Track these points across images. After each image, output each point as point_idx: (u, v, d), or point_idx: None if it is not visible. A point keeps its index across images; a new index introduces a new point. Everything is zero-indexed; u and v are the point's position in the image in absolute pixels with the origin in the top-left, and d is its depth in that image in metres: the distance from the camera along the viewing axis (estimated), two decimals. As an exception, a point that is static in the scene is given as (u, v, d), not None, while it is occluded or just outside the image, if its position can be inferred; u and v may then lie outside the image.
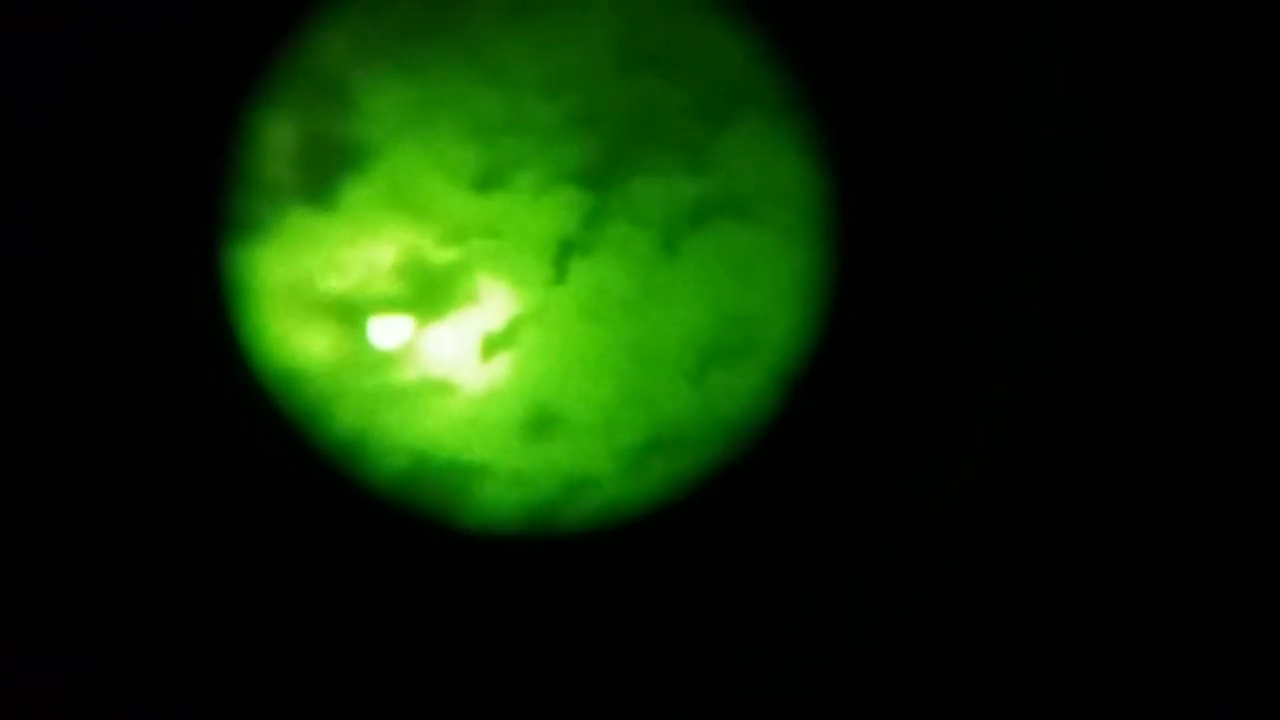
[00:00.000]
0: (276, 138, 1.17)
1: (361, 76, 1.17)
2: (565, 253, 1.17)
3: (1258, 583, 1.02)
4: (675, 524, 1.10)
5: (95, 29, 1.03)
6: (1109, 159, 1.03)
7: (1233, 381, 1.04)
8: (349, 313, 1.18)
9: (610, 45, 1.18)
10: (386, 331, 1.18)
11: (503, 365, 1.17)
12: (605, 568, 1.09)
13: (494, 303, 1.18)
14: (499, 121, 1.19)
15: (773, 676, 1.04)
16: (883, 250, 1.09)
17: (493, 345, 1.17)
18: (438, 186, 1.18)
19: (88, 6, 1.02)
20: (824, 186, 1.15)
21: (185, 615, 1.07)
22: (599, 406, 1.16)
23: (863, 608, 1.05)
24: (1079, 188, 1.05)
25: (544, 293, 1.17)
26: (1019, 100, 1.08)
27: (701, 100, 1.18)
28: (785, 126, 1.17)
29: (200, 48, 1.06)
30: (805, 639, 1.05)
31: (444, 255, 1.18)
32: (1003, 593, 1.03)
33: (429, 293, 1.18)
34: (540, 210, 1.18)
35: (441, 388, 1.17)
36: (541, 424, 1.16)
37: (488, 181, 1.18)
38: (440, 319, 1.18)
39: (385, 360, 1.18)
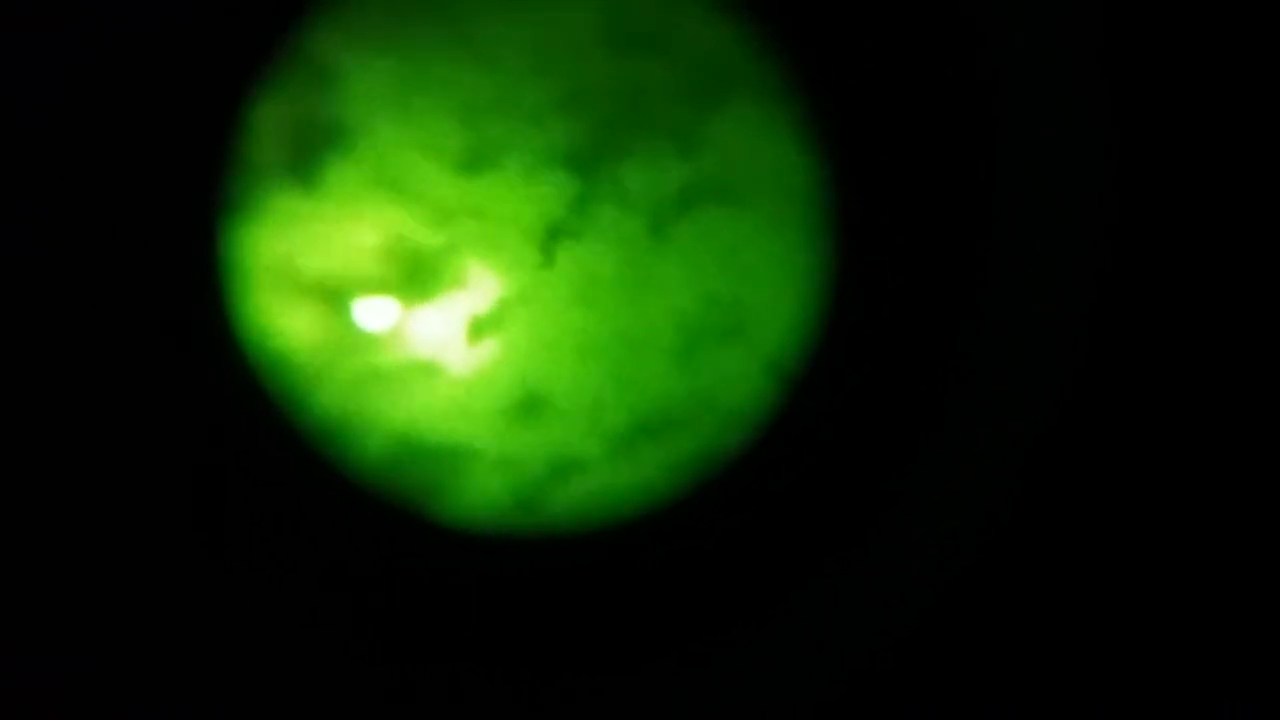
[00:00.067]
0: (261, 118, 1.12)
1: (346, 55, 1.13)
2: (553, 236, 1.15)
3: (1258, 583, 1.01)
4: (675, 524, 1.08)
5: (96, 20, 0.98)
6: (1109, 153, 1.02)
7: (1233, 381, 1.03)
8: (334, 294, 1.15)
9: (598, 26, 1.16)
10: (372, 313, 1.15)
11: (489, 348, 1.15)
12: (604, 567, 1.07)
13: (481, 286, 1.15)
14: (485, 103, 1.16)
15: (773, 676, 1.03)
16: (882, 247, 1.07)
17: (479, 328, 1.15)
18: (423, 168, 1.15)
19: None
20: (817, 173, 1.12)
21: (164, 595, 1.04)
22: (586, 390, 1.14)
23: (863, 608, 1.04)
24: (1079, 184, 1.03)
25: (531, 276, 1.15)
26: (1017, 88, 1.06)
27: (690, 83, 1.16)
28: (775, 111, 1.15)
29: (201, 36, 1.02)
30: (805, 639, 1.04)
31: (430, 237, 1.15)
32: (1003, 593, 1.02)
33: (415, 275, 1.15)
34: (527, 193, 1.15)
35: (428, 370, 1.15)
36: (529, 407, 1.14)
37: (474, 163, 1.15)
38: (427, 301, 1.15)
39: (371, 342, 1.15)
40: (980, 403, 1.04)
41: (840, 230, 1.10)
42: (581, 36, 1.16)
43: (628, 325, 1.14)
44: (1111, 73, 1.02)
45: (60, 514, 1.04)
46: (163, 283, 1.07)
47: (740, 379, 1.14)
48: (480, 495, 1.13)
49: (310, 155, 1.14)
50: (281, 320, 1.14)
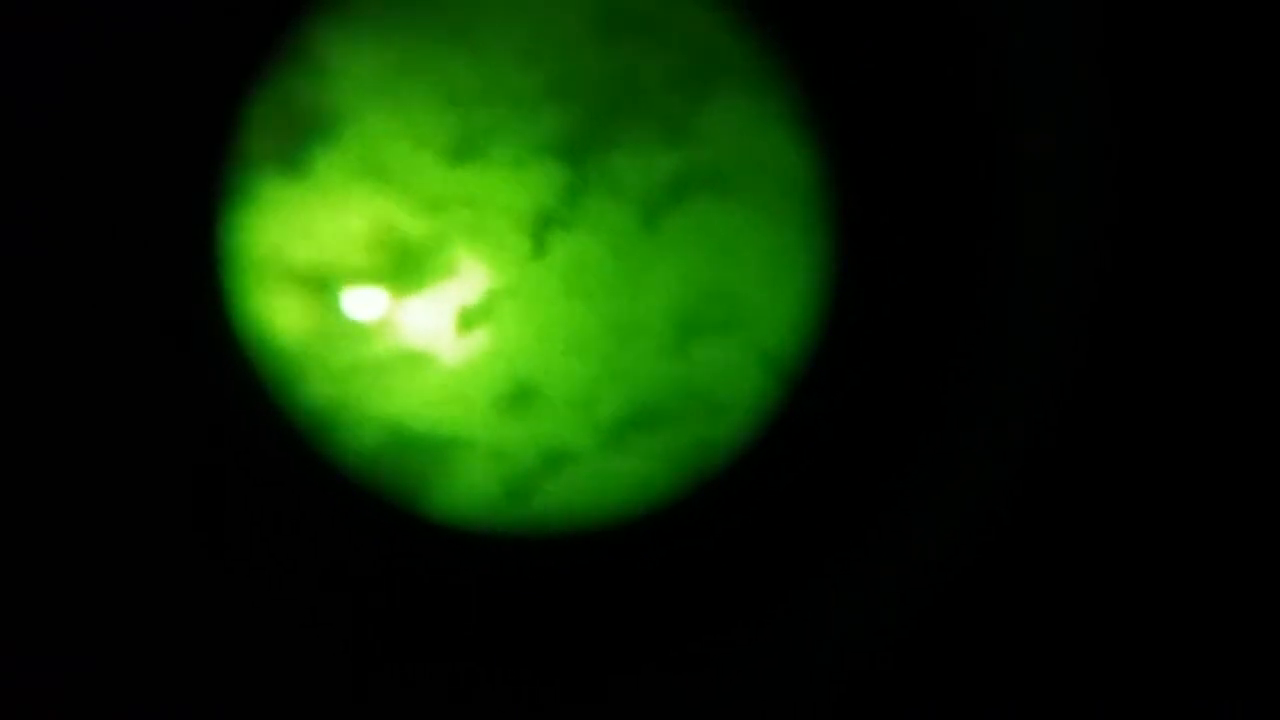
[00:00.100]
0: (250, 106, 1.11)
1: (334, 43, 1.11)
2: (544, 227, 1.13)
3: (1258, 583, 1.02)
4: (674, 523, 1.07)
5: (97, 12, 0.97)
6: (1109, 147, 1.01)
7: (1234, 382, 1.03)
8: (322, 284, 1.13)
9: (588, 13, 1.14)
10: (361, 304, 1.14)
11: (480, 339, 1.13)
12: (604, 567, 1.06)
13: (471, 276, 1.13)
14: (474, 91, 1.14)
15: (773, 676, 1.03)
16: (881, 243, 1.06)
17: (470, 319, 1.13)
18: (411, 156, 1.13)
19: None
20: (811, 165, 1.11)
21: (151, 583, 1.03)
22: (578, 381, 1.13)
23: (863, 608, 1.04)
24: (1079, 178, 1.02)
25: (521, 267, 1.13)
26: (1015, 79, 1.05)
27: (681, 71, 1.14)
28: (767, 100, 1.13)
29: (204, 27, 1.01)
30: (805, 639, 1.03)
31: (419, 227, 1.14)
32: (1003, 593, 1.01)
33: (404, 265, 1.14)
34: (518, 183, 1.13)
35: (417, 361, 1.14)
36: (520, 398, 1.13)
37: (463, 152, 1.13)
38: (416, 291, 1.14)
39: (360, 332, 1.13)
40: (980, 402, 1.04)
41: (839, 226, 1.09)
42: (571, 24, 1.14)
43: (619, 316, 1.13)
44: (1111, 64, 1.00)
45: (49, 500, 1.03)
46: (156, 273, 1.06)
47: (733, 371, 1.13)
48: (471, 486, 1.12)
49: (298, 143, 1.11)
50: (270, 310, 1.12)
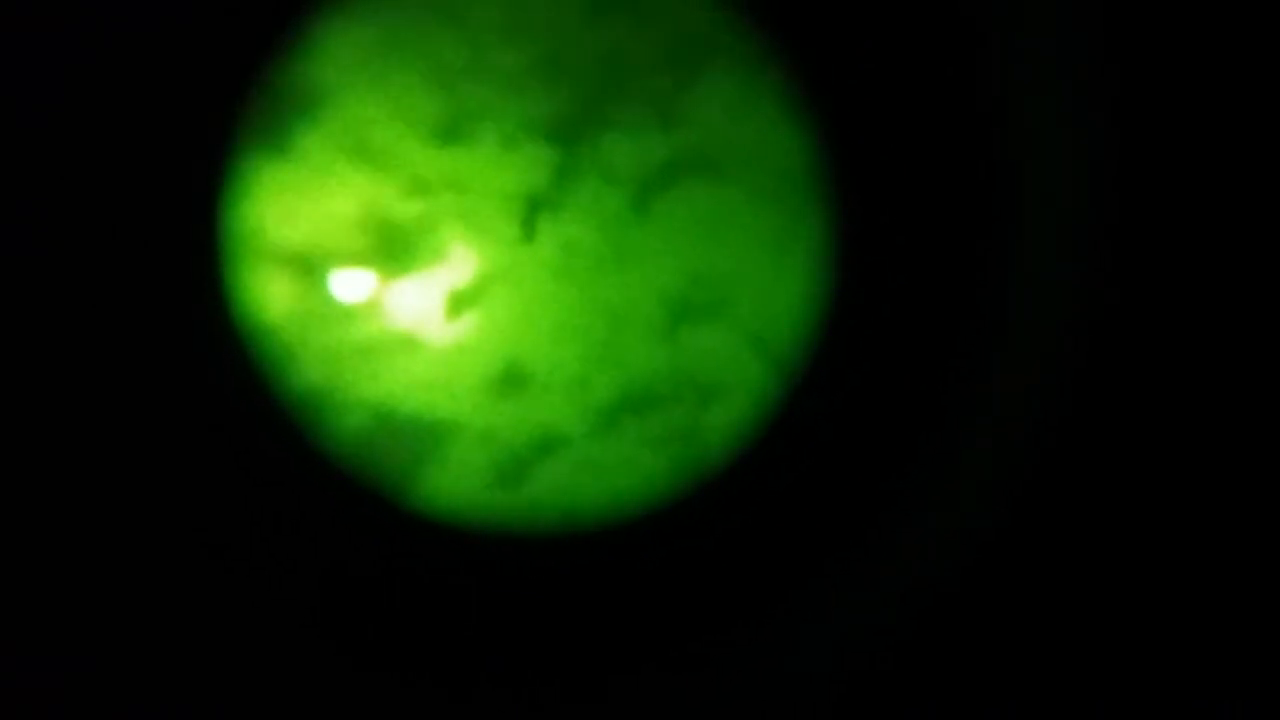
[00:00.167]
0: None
1: (317, 16, 1.07)
2: (533, 210, 1.10)
3: (1258, 583, 1.01)
4: (675, 524, 1.05)
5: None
6: (1111, 139, 0.99)
7: (1235, 382, 1.01)
8: (308, 265, 1.10)
9: (575, -10, 1.10)
10: (348, 285, 1.10)
11: (470, 323, 1.11)
12: (603, 567, 1.04)
13: (460, 260, 1.10)
14: (460, 69, 1.11)
15: (773, 676, 1.02)
16: (879, 233, 1.04)
17: (459, 303, 1.10)
18: (397, 136, 1.10)
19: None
20: (805, 148, 1.08)
21: (135, 570, 1.01)
22: (569, 365, 1.11)
23: (863, 608, 1.03)
24: (1079, 167, 1.00)
25: (511, 250, 1.10)
26: (1012, 65, 1.02)
27: (670, 51, 1.11)
28: (757, 82, 1.10)
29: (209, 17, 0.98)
30: (805, 639, 1.02)
31: (406, 209, 1.11)
32: (1003, 593, 1.00)
33: (392, 247, 1.11)
34: (506, 165, 1.10)
35: (407, 344, 1.11)
36: (510, 382, 1.11)
37: (450, 132, 1.10)
38: (405, 274, 1.11)
39: (348, 314, 1.11)
40: (982, 400, 1.02)
41: (836, 213, 1.06)
42: (560, 2, 1.10)
43: (610, 300, 1.11)
44: (1112, 57, 0.98)
45: (30, 477, 1.01)
46: (145, 254, 1.04)
47: (725, 356, 1.11)
48: (462, 468, 1.10)
49: (280, 121, 1.08)
50: (256, 291, 1.09)
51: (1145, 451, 1.00)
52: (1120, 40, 0.97)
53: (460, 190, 1.11)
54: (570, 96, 1.11)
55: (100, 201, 1.02)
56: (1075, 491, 0.99)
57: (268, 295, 1.10)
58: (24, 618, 0.98)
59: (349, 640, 1.03)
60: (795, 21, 1.07)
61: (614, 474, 1.10)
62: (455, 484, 1.10)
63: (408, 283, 1.12)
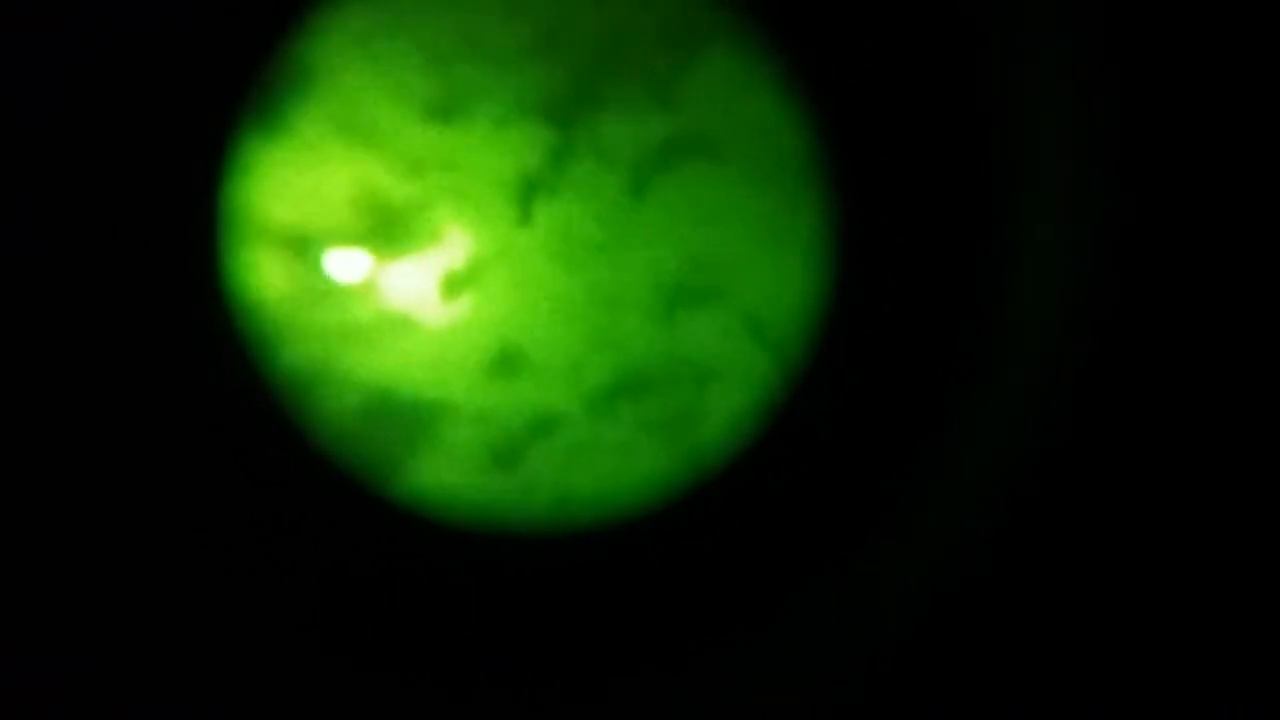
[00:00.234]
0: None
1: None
2: (529, 192, 1.07)
3: (1259, 583, 0.99)
4: (675, 524, 1.04)
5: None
6: (1113, 131, 0.96)
7: (1236, 382, 0.99)
8: (303, 244, 1.07)
9: (572, -33, 1.07)
10: (342, 265, 1.08)
11: (466, 304, 1.08)
12: (603, 567, 1.03)
13: (456, 241, 1.08)
14: (455, 46, 1.07)
15: (773, 676, 1.00)
16: (880, 223, 1.01)
17: (455, 284, 1.08)
18: (391, 115, 1.07)
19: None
20: (803, 132, 1.05)
21: (120, 557, 0.99)
22: (564, 348, 1.08)
23: (863, 608, 1.01)
24: (1080, 161, 0.97)
25: (507, 233, 1.08)
26: (1012, 50, 0.99)
27: (667, 30, 1.08)
28: (755, 63, 1.07)
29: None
30: (805, 639, 1.00)
31: (401, 189, 1.08)
32: (1003, 593, 0.99)
33: (386, 227, 1.08)
34: (502, 145, 1.08)
35: (402, 325, 1.09)
36: (505, 364, 1.08)
37: (445, 111, 1.08)
38: (400, 255, 1.09)
39: (342, 294, 1.08)
40: (983, 400, 1.00)
41: (837, 199, 1.03)
42: (555, -23, 1.07)
43: (606, 283, 1.08)
44: (1114, 50, 0.95)
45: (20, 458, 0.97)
46: (142, 234, 1.02)
47: (722, 340, 1.08)
48: (456, 450, 1.07)
49: (273, 99, 1.05)
50: (248, 269, 1.06)
51: (1146, 449, 0.98)
52: (1120, 32, 0.94)
53: (455, 170, 1.08)
54: (566, 77, 1.08)
55: (95, 179, 1.01)
56: (1075, 490, 0.97)
57: (261, 274, 1.08)
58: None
59: (342, 637, 1.01)
60: (793, 3, 1.04)
61: (610, 458, 1.08)
62: (449, 467, 1.07)
63: (403, 263, 1.09)
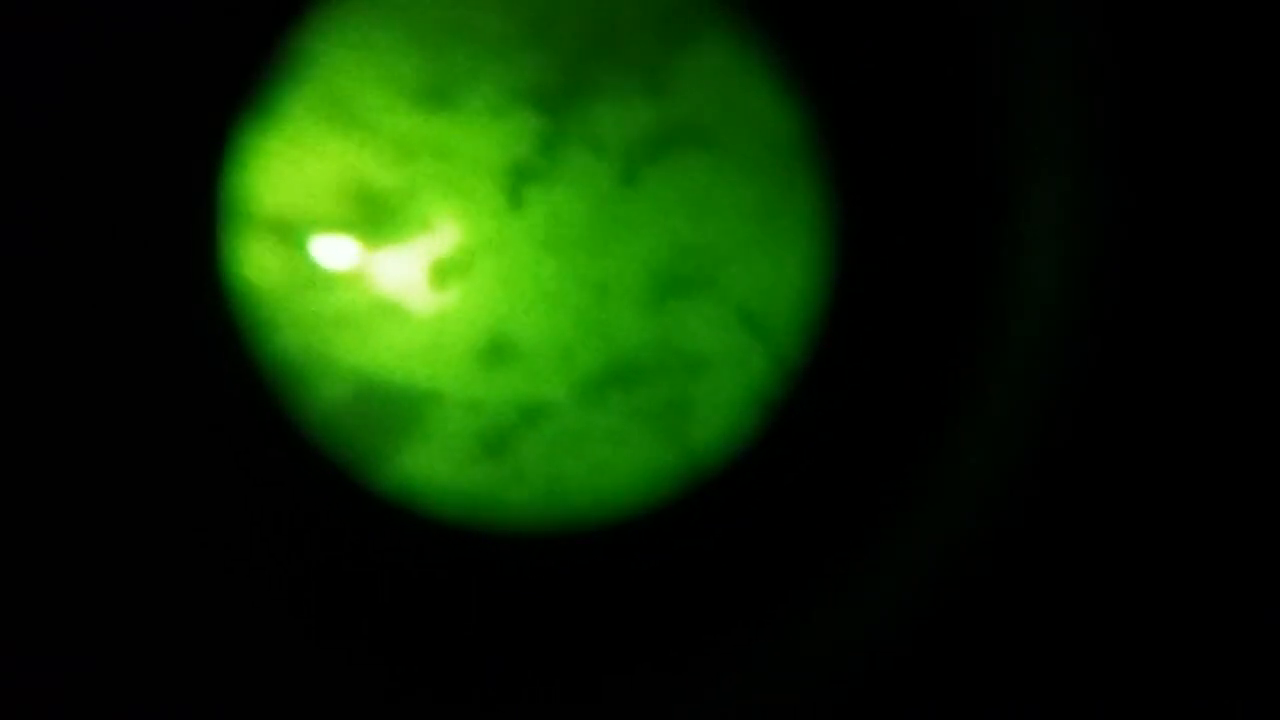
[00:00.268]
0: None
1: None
2: (520, 180, 1.06)
3: (1259, 583, 0.98)
4: (675, 524, 1.03)
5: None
6: (1117, 121, 0.94)
7: (1237, 382, 0.98)
8: (290, 230, 1.06)
9: (561, -47, 1.05)
10: (331, 252, 1.06)
11: (456, 292, 1.07)
12: (602, 567, 1.02)
13: (446, 229, 1.06)
14: (446, 32, 1.05)
15: (773, 676, 0.99)
16: (878, 224, 0.99)
17: (445, 272, 1.06)
18: (380, 101, 1.05)
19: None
20: (796, 121, 1.04)
21: (105, 544, 0.98)
22: (555, 337, 1.07)
23: (863, 608, 1.00)
24: (1081, 137, 0.96)
25: (498, 221, 1.06)
26: (1009, 39, 0.97)
27: (659, 18, 1.06)
28: (747, 51, 1.05)
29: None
30: (805, 639, 0.99)
31: (391, 176, 1.06)
32: (1003, 593, 0.98)
33: (375, 214, 1.07)
34: (492, 132, 1.06)
35: (391, 313, 1.07)
36: (495, 352, 1.07)
37: (435, 98, 1.06)
38: (389, 243, 1.07)
39: (331, 281, 1.07)
40: (982, 399, 0.99)
41: (833, 199, 1.02)
42: (547, -35, 1.05)
43: (597, 272, 1.07)
44: (1114, 47, 0.93)
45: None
46: (138, 219, 1.00)
47: (713, 330, 1.07)
48: (448, 438, 1.06)
49: (260, 81, 1.03)
50: (237, 255, 1.05)
51: (1147, 447, 0.97)
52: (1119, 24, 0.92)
53: (445, 158, 1.06)
54: (557, 65, 1.06)
55: (91, 167, 0.99)
56: (1076, 488, 0.97)
57: (250, 261, 1.06)
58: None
59: (329, 628, 1.00)
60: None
61: (601, 447, 1.06)
62: (439, 455, 1.06)
63: (392, 251, 1.07)
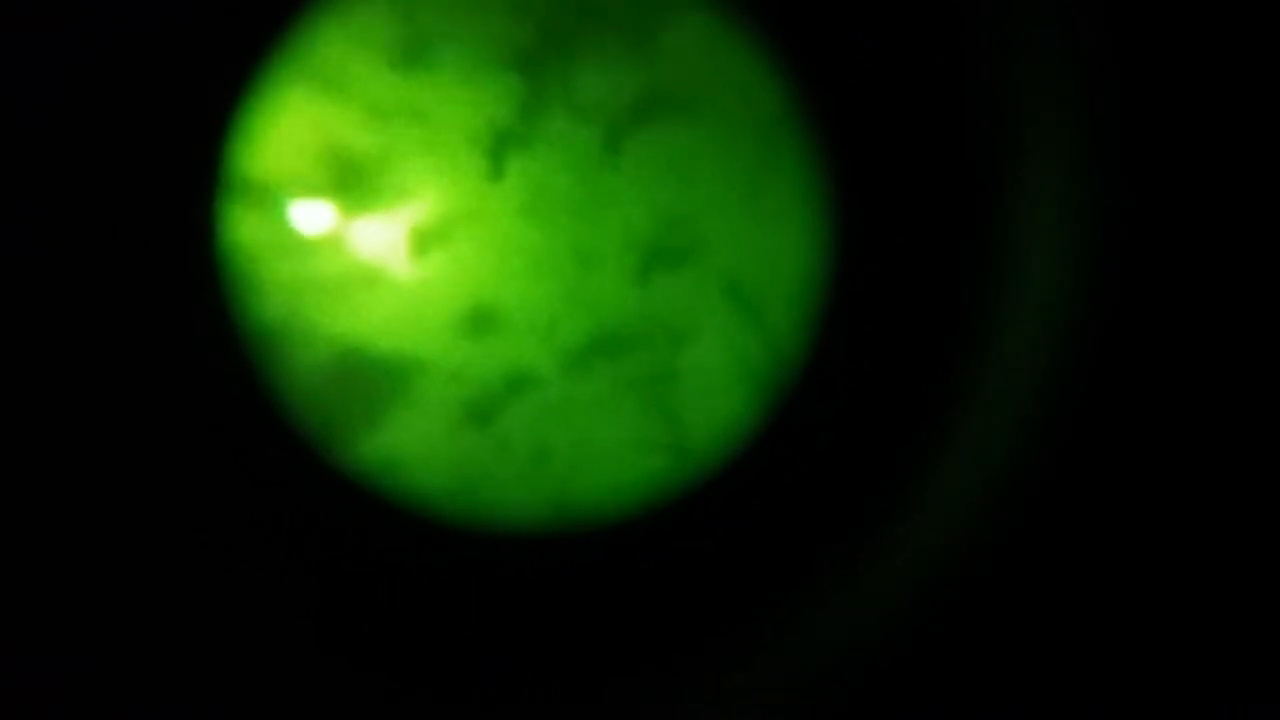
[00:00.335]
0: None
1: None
2: (501, 145, 1.01)
3: (1259, 583, 0.95)
4: (674, 524, 1.02)
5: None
6: (1116, 118, 0.92)
7: (1238, 383, 0.95)
8: (267, 195, 1.02)
9: (539, -91, 1.00)
10: (310, 217, 1.03)
11: (437, 259, 1.03)
12: (602, 567, 1.01)
13: (427, 195, 1.02)
14: (421, -8, 1.01)
15: (772, 676, 0.97)
16: (873, 201, 0.95)
17: (426, 239, 1.03)
18: (354, 60, 1.01)
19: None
20: (780, 91, 0.99)
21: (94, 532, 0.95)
22: (538, 306, 1.04)
23: (863, 608, 0.98)
24: (1077, 143, 0.92)
25: (479, 187, 1.03)
26: (999, 19, 0.92)
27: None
28: (732, 19, 1.01)
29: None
30: (805, 639, 0.97)
31: (370, 140, 1.03)
32: (1003, 593, 0.95)
33: (354, 178, 1.03)
34: (471, 96, 1.03)
35: (371, 280, 1.04)
36: (478, 321, 1.04)
37: (412, 59, 1.01)
38: (369, 209, 1.04)
39: (310, 247, 1.03)
40: (981, 398, 0.97)
41: (826, 170, 0.97)
42: (525, -77, 1.01)
43: (580, 241, 1.03)
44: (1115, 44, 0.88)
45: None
46: (121, 186, 0.98)
47: (698, 301, 1.03)
48: (431, 407, 1.03)
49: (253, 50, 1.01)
50: (218, 220, 1.02)
51: (1147, 444, 0.95)
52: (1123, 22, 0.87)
53: (423, 121, 1.03)
54: (538, 25, 1.02)
55: (71, 130, 0.96)
56: (1076, 488, 0.95)
57: (229, 225, 1.02)
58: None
59: (316, 617, 0.98)
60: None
61: (586, 416, 1.03)
62: (422, 424, 1.03)
63: (373, 217, 1.04)
